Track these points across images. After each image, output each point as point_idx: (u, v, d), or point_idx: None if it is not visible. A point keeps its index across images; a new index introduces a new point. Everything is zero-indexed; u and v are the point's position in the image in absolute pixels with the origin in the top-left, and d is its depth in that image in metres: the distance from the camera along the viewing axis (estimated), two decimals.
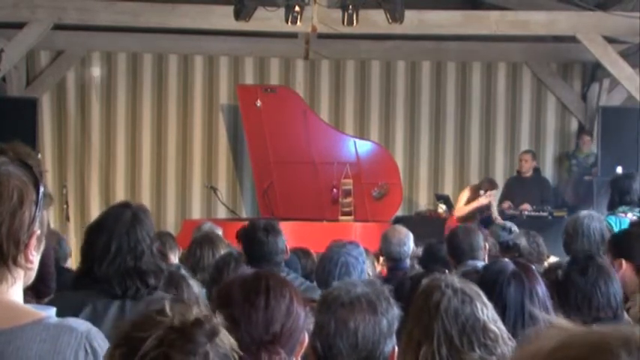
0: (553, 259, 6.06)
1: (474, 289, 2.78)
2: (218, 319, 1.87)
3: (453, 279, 2.82)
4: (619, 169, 10.15)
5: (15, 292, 2.12)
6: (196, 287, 3.59)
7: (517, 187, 12.07)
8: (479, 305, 2.72)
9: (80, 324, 2.16)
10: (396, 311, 2.67)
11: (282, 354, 2.33)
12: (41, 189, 2.11)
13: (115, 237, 3.39)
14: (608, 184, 8.21)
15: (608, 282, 3.90)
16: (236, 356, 1.85)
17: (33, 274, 2.18)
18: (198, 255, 5.76)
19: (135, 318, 1.90)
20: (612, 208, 7.24)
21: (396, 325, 2.66)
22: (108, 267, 3.37)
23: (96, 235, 3.45)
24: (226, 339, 1.86)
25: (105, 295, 3.38)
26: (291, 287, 2.48)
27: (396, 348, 2.68)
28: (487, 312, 2.72)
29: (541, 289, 3.36)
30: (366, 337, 2.62)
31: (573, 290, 3.90)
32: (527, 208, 11.56)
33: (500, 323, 2.74)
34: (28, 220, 2.08)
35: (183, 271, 3.69)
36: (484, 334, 2.67)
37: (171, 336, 1.80)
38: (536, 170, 12.52)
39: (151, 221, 3.57)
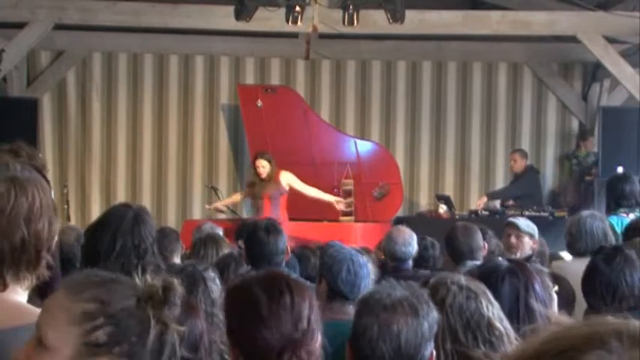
0: (566, 255, 6.02)
1: (481, 287, 2.80)
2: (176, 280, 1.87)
3: (460, 277, 2.84)
4: (620, 170, 10.13)
5: (24, 294, 2.15)
6: (216, 291, 3.57)
7: (512, 185, 12.25)
8: (484, 302, 2.74)
9: None
10: (435, 314, 2.66)
11: (313, 350, 2.37)
12: (52, 194, 2.14)
13: (120, 235, 3.40)
14: (605, 185, 8.19)
15: (634, 272, 3.91)
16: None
17: None
18: (202, 254, 5.77)
19: (95, 292, 1.79)
20: (609, 211, 7.22)
21: (435, 329, 2.66)
22: (113, 265, 3.37)
23: (99, 234, 3.45)
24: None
25: None
26: (306, 285, 2.57)
27: (434, 352, 2.68)
28: (492, 309, 2.74)
29: (538, 285, 3.36)
30: (409, 340, 2.61)
31: (598, 279, 3.91)
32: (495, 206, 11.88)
33: (506, 322, 2.76)
34: (57, 228, 2.12)
35: (211, 273, 3.66)
36: (489, 331, 2.69)
37: (159, 308, 1.78)
38: (529, 167, 12.55)
39: (153, 222, 3.59)
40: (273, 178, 10.98)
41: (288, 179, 11.06)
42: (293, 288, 2.43)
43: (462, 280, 2.82)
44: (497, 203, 12.46)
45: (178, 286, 1.83)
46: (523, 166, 12.37)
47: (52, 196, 2.14)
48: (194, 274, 3.57)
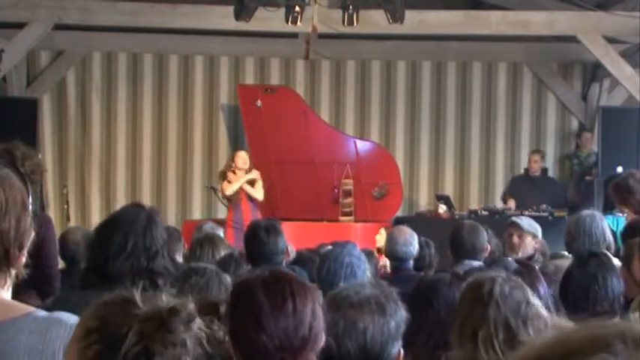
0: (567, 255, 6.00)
1: (520, 280, 2.86)
2: (192, 305, 1.85)
3: (499, 272, 2.90)
4: (619, 169, 10.13)
5: (7, 292, 2.15)
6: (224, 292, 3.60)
7: (525, 186, 12.09)
8: (529, 292, 2.79)
9: (69, 317, 2.17)
10: (403, 313, 2.69)
11: (313, 357, 2.35)
12: (30, 192, 2.14)
13: (132, 236, 3.39)
14: (603, 184, 8.19)
15: (607, 275, 3.95)
16: (203, 336, 1.84)
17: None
18: (198, 254, 5.76)
19: (103, 311, 1.85)
20: (606, 210, 7.21)
21: (402, 328, 2.67)
22: (122, 265, 3.37)
23: (110, 233, 3.44)
24: (200, 323, 1.85)
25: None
26: (310, 288, 2.49)
27: (402, 351, 2.69)
28: (537, 301, 2.79)
29: (543, 288, 3.39)
30: (375, 338, 2.63)
31: (572, 285, 3.94)
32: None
33: (547, 314, 2.81)
34: (28, 223, 2.11)
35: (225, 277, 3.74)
36: (537, 318, 2.72)
37: (150, 328, 1.78)
38: (545, 170, 12.53)
39: (162, 223, 3.58)
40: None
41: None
42: (297, 293, 2.38)
43: (503, 273, 2.89)
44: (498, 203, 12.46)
45: (186, 311, 1.81)
46: (540, 167, 12.34)
47: (31, 195, 2.13)
48: (219, 275, 3.62)
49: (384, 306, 2.66)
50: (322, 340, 2.41)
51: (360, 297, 2.67)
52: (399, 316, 2.67)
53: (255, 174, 11.08)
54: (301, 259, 6.21)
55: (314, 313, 2.38)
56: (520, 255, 6.08)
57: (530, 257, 6.10)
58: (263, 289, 2.40)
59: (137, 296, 1.82)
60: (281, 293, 2.38)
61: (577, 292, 3.93)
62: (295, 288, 2.40)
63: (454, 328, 2.79)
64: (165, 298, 1.83)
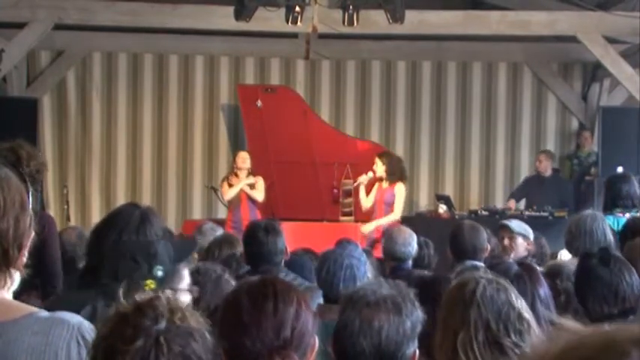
0: (566, 255, 5.99)
1: (507, 282, 2.85)
2: (165, 301, 1.92)
3: (485, 273, 2.90)
4: (619, 170, 10.12)
5: (8, 292, 2.15)
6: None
7: (536, 187, 12.08)
8: (513, 295, 2.79)
9: (71, 317, 2.18)
10: (419, 314, 2.69)
11: (295, 358, 2.34)
12: (30, 191, 2.14)
13: (125, 234, 3.38)
14: (603, 184, 8.18)
15: (630, 272, 3.99)
16: (207, 334, 1.90)
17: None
18: (217, 255, 5.74)
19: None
20: (606, 210, 7.21)
21: (419, 329, 2.69)
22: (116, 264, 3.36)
23: (104, 233, 3.43)
24: (193, 319, 1.91)
25: (106, 295, 3.36)
26: (297, 291, 2.49)
27: (417, 352, 2.70)
28: (521, 302, 2.78)
29: (544, 290, 3.39)
30: (390, 337, 2.64)
31: (599, 283, 3.95)
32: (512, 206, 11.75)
33: (532, 317, 2.79)
34: (28, 223, 2.11)
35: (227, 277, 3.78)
36: (519, 321, 2.72)
37: (118, 325, 1.88)
38: (556, 171, 12.51)
39: (159, 223, 3.57)
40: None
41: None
42: (279, 294, 2.38)
43: (489, 274, 2.88)
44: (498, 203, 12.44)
45: (153, 307, 1.88)
46: (550, 167, 12.31)
47: (31, 194, 2.14)
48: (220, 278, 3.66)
49: (400, 306, 2.67)
50: (312, 342, 2.40)
51: (376, 296, 2.68)
52: (415, 316, 2.68)
53: (255, 180, 11.03)
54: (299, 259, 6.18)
55: (298, 314, 2.37)
56: (512, 257, 6.09)
57: (523, 259, 6.11)
58: (247, 292, 2.42)
59: (121, 295, 1.95)
60: (262, 295, 2.39)
61: (606, 291, 3.94)
62: (278, 289, 2.41)
63: (437, 328, 2.79)
64: (146, 296, 1.91)
